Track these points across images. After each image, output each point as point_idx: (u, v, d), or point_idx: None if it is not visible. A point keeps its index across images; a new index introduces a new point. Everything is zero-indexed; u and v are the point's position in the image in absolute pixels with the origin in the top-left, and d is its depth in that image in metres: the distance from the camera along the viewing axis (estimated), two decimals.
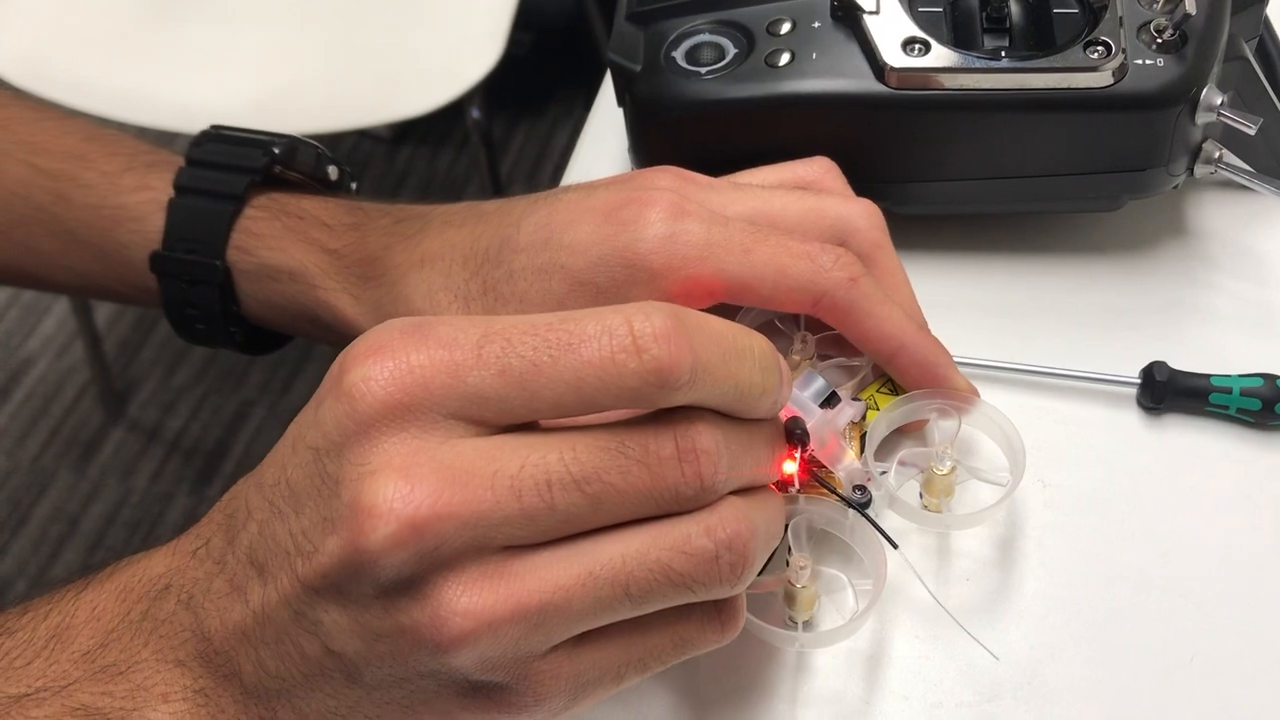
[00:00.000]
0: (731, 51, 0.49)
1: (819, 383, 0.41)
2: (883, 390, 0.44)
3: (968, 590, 0.41)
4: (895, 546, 0.38)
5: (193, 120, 1.21)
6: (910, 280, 0.43)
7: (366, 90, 1.25)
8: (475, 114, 1.33)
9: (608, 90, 0.56)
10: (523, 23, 1.29)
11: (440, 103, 1.22)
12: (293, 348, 1.91)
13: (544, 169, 1.87)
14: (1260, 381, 0.43)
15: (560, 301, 0.41)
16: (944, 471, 0.41)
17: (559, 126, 1.91)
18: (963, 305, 0.49)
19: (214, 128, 0.51)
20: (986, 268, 0.50)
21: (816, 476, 0.39)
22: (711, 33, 0.49)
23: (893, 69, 0.46)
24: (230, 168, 0.48)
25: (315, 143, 0.52)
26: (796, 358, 0.44)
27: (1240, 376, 0.44)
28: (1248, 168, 0.49)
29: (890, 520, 0.40)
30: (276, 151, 0.49)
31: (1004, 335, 0.47)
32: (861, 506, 0.39)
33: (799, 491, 0.39)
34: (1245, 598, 0.40)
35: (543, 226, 0.41)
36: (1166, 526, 0.42)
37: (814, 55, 0.47)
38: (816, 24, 0.48)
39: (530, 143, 1.90)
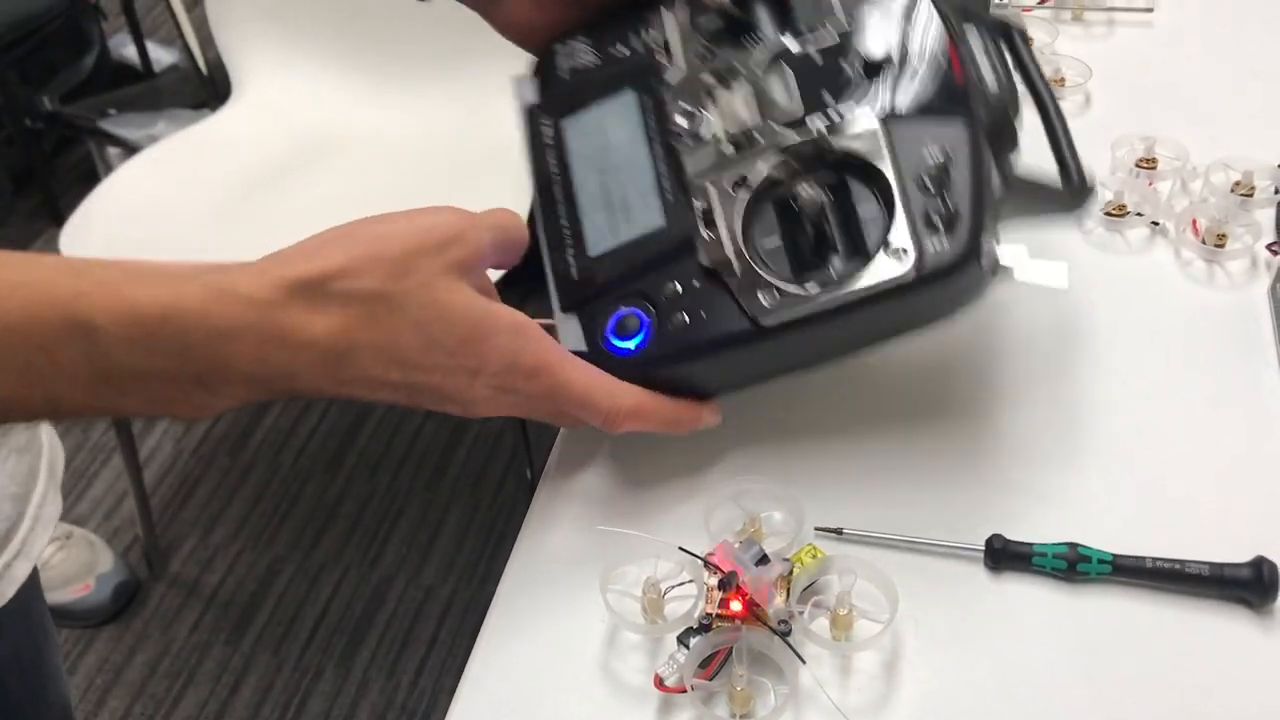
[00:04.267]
0: (645, 321, 0.60)
1: (755, 548, 0.59)
2: (805, 555, 0.62)
3: (862, 697, 0.58)
4: (804, 662, 0.55)
5: None
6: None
7: None
8: None
9: None
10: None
11: None
12: (316, 511, 2.06)
13: None
14: (1066, 548, 0.61)
15: None
16: (844, 612, 0.58)
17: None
18: (864, 492, 0.67)
19: None
20: (885, 468, 0.68)
21: (754, 613, 0.57)
22: (626, 305, 0.61)
23: (760, 312, 0.58)
24: None
25: None
26: (749, 528, 0.62)
27: (1052, 544, 0.61)
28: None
29: (809, 647, 0.58)
30: None
31: (890, 513, 0.65)
32: (784, 635, 0.57)
33: (742, 622, 0.57)
34: (1060, 705, 0.57)
35: None
36: (1003, 652, 0.59)
37: (702, 314, 0.59)
38: (696, 284, 0.60)
39: (539, 318, 2.10)
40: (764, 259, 0.60)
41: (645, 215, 0.62)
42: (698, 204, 0.61)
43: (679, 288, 0.60)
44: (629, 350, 0.61)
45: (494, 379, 0.55)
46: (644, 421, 0.61)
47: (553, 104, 0.68)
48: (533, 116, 0.68)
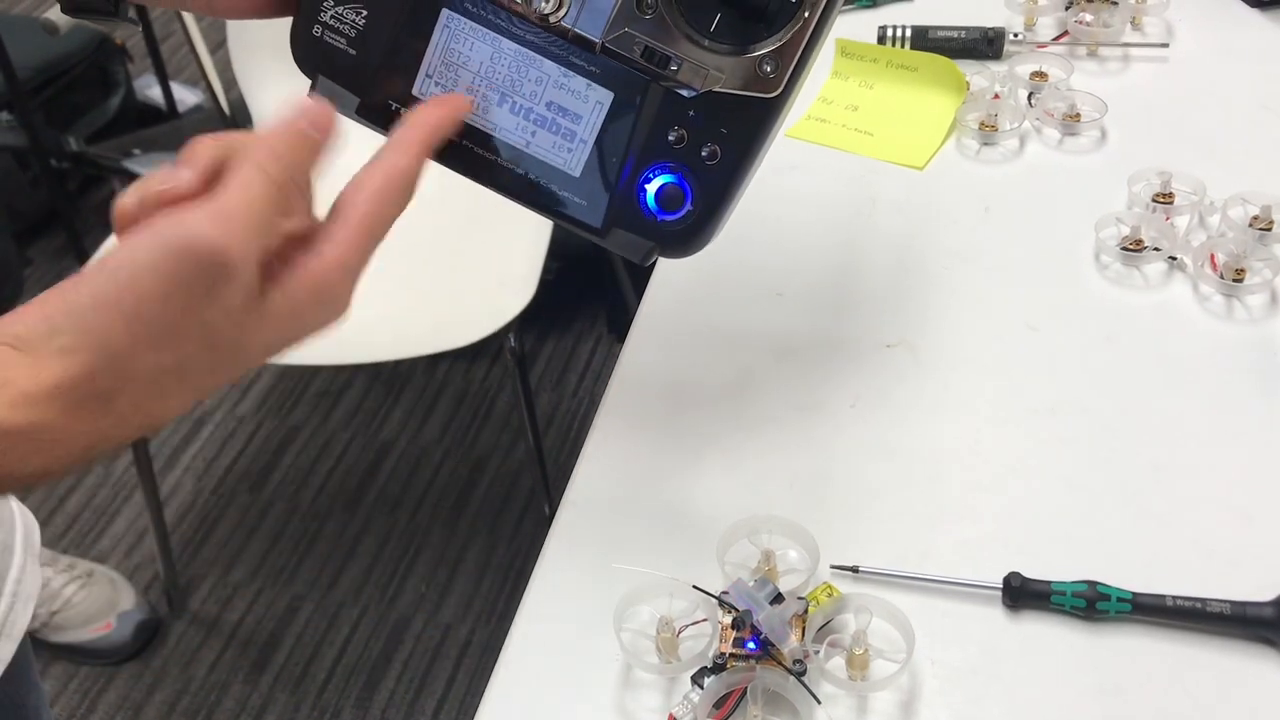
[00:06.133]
0: (679, 178, 0.56)
1: (769, 587, 0.59)
2: (821, 594, 0.61)
3: None
4: (819, 702, 0.55)
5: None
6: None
7: (425, 326, 1.47)
8: (512, 342, 1.53)
9: None
10: (551, 253, 1.52)
11: (484, 334, 1.44)
12: (335, 549, 2.06)
13: (569, 379, 2.07)
14: (1085, 586, 0.61)
15: None
16: (860, 651, 0.58)
17: (582, 340, 2.12)
18: (880, 530, 0.67)
19: None
20: (901, 505, 0.68)
21: (768, 651, 0.57)
22: (649, 183, 0.57)
23: (766, 85, 0.54)
24: None
25: None
26: (764, 566, 0.62)
27: (1071, 582, 0.61)
28: None
29: (824, 687, 0.57)
30: None
31: (906, 550, 0.65)
32: (799, 674, 0.56)
33: (756, 662, 0.57)
34: None
35: None
36: (1021, 692, 0.59)
37: (723, 130, 0.55)
38: (692, 112, 0.55)
39: (557, 355, 2.11)
40: (716, 34, 0.54)
41: (586, 101, 0.56)
42: (633, 47, 0.54)
43: (679, 130, 0.55)
44: (686, 208, 0.56)
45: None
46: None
47: (379, 85, 0.58)
48: (373, 114, 0.58)
